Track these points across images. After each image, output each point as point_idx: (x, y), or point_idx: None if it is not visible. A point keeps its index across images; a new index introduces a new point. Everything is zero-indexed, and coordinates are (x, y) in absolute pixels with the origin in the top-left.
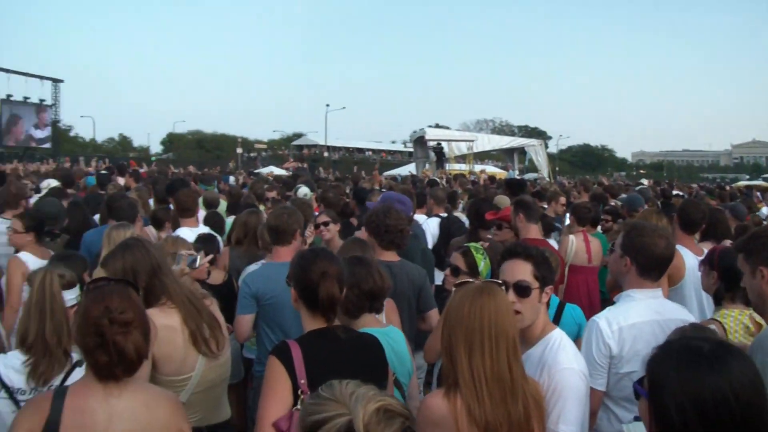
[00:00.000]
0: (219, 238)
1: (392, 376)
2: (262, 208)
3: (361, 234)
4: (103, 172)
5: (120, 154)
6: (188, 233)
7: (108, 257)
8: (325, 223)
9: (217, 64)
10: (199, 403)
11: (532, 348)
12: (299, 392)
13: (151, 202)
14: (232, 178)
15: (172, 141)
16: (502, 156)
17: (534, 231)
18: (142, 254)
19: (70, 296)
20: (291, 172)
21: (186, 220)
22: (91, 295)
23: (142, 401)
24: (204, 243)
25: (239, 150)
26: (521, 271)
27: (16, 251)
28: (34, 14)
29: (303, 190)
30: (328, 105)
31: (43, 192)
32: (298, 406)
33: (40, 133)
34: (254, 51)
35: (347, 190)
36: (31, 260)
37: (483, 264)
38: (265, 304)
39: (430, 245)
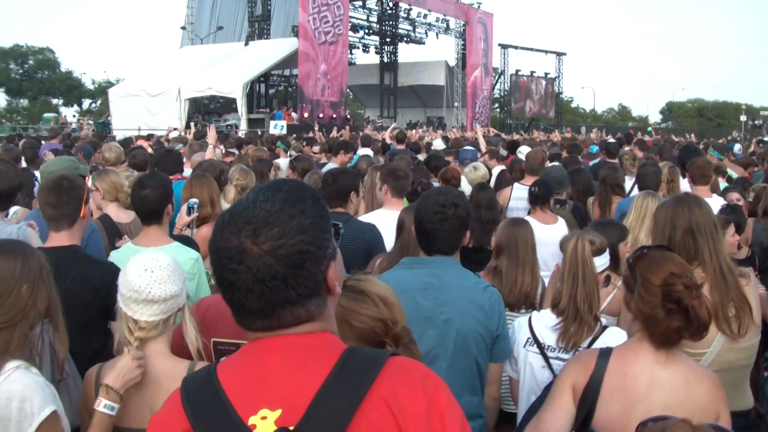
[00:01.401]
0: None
1: None
2: None
3: None
4: (612, 141)
5: (619, 123)
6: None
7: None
8: None
9: (718, 26)
10: None
11: None
12: None
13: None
14: (737, 146)
15: (671, 109)
16: None
17: None
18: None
19: (600, 262)
20: None
21: (700, 188)
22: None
23: (683, 375)
24: (733, 213)
25: (743, 118)
26: None
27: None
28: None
29: None
30: None
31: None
32: None
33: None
34: (758, 9)
35: None
36: (536, 225)
37: None
38: None
39: None
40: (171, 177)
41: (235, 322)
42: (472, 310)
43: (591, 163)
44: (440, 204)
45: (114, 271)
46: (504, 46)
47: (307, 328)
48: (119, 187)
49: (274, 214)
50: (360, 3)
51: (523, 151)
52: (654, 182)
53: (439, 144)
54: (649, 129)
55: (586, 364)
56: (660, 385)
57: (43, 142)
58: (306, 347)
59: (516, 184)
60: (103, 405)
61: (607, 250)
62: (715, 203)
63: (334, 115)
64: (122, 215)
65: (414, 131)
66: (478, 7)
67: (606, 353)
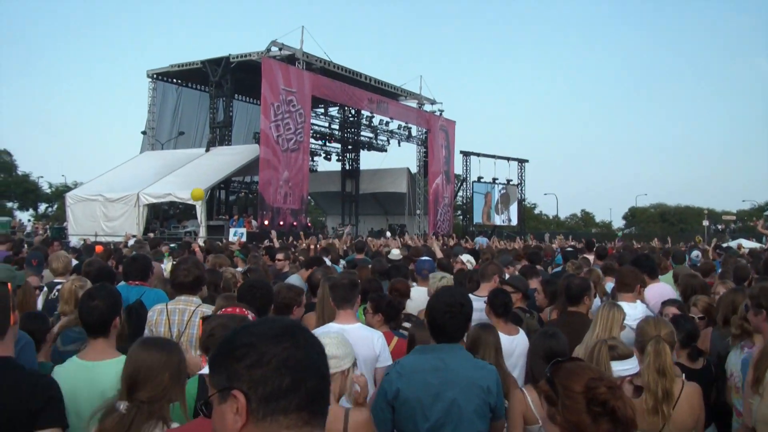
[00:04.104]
0: None
1: None
2: None
3: None
4: (569, 249)
5: (582, 230)
6: (629, 309)
7: None
8: None
9: (679, 133)
10: None
11: None
12: None
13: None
14: (696, 253)
15: (634, 215)
16: None
17: None
18: None
19: (622, 367)
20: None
21: (623, 295)
22: None
23: None
24: (686, 323)
25: (705, 222)
26: None
27: None
28: (503, 108)
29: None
30: None
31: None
32: None
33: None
34: (718, 117)
35: None
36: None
37: None
38: None
39: None
40: (137, 282)
41: None
42: (472, 387)
43: (553, 271)
44: (448, 303)
45: (45, 384)
46: (466, 154)
47: None
48: None
49: None
50: (322, 110)
51: (464, 259)
52: (576, 294)
53: (396, 253)
54: (618, 234)
55: None
56: None
57: None
58: None
59: (470, 295)
60: None
61: (633, 356)
62: (639, 310)
63: (295, 223)
64: None
65: (372, 239)
66: (440, 114)
67: None
